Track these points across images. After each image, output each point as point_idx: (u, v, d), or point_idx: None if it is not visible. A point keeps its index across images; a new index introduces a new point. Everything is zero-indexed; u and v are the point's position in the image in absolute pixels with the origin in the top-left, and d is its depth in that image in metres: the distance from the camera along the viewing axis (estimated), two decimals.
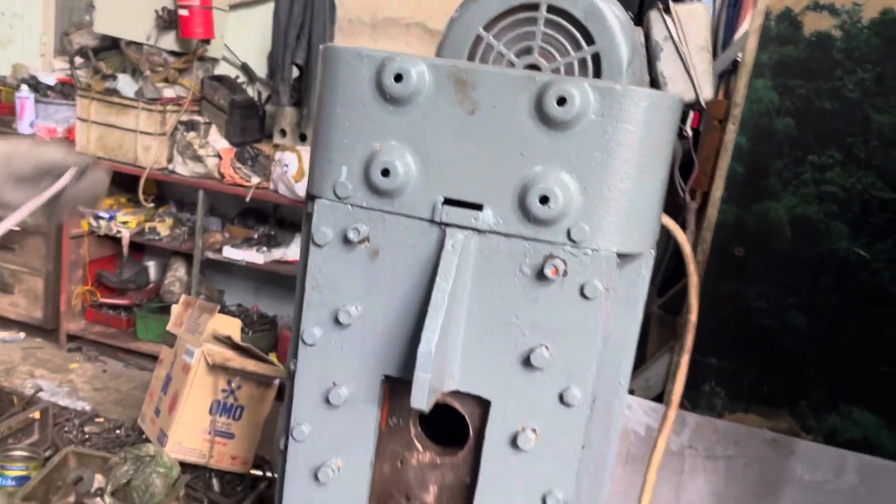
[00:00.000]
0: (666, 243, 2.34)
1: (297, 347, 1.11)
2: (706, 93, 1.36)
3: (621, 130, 0.94)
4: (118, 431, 3.18)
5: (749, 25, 1.88)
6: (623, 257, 1.01)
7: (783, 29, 1.82)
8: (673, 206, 1.80)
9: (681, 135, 2.27)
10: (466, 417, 1.07)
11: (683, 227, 1.77)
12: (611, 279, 0.98)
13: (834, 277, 1.89)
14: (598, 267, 0.97)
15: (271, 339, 4.02)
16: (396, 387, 1.08)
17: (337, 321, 1.07)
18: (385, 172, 1.01)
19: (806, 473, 1.97)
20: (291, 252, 3.96)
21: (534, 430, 1.02)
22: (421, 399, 0.97)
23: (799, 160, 1.87)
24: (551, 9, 1.18)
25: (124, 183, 4.05)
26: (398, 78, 0.98)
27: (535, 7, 1.18)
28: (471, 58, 1.24)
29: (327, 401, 1.09)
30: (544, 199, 0.96)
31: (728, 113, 1.89)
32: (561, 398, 1.01)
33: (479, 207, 0.99)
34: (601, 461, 1.11)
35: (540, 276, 0.99)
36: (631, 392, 2.12)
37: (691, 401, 2.03)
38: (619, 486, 2.08)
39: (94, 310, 4.13)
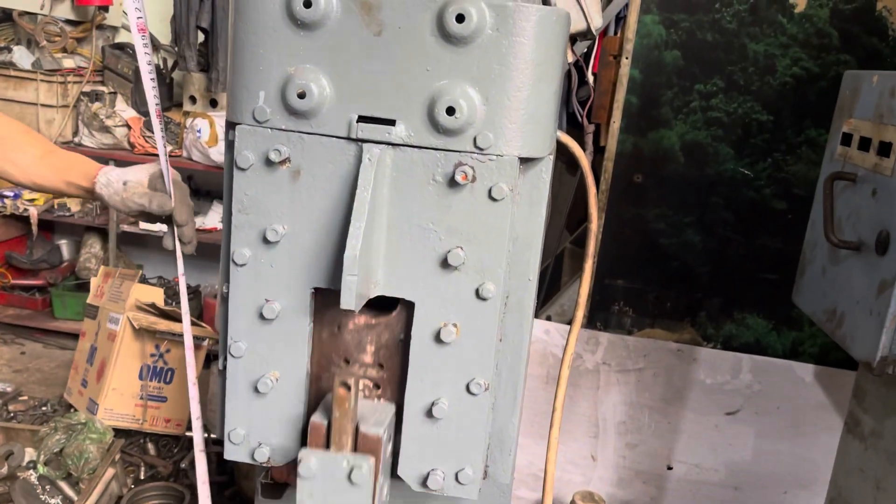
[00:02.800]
0: (576, 185, 2.49)
1: (227, 270, 1.17)
2: (596, 21, 1.47)
3: (516, 44, 1.04)
4: (44, 408, 3.13)
5: None
6: (525, 161, 1.11)
7: None
8: (573, 133, 1.92)
9: (583, 81, 2.40)
10: None
11: (583, 148, 1.90)
12: (515, 182, 1.08)
13: (723, 196, 2.07)
14: (503, 171, 1.07)
15: (196, 308, 4.00)
16: (326, 296, 1.15)
17: (265, 240, 1.13)
18: (301, 95, 1.07)
19: (707, 377, 2.17)
20: (210, 220, 3.94)
21: (455, 325, 1.12)
22: (349, 300, 1.05)
23: (687, 89, 2.02)
24: None
25: None
26: (307, 4, 1.04)
27: None
28: None
29: (261, 316, 1.16)
30: (451, 111, 1.05)
31: (622, 48, 2.03)
32: (477, 293, 1.11)
33: (391, 122, 1.07)
34: (517, 352, 1.22)
35: (451, 183, 1.08)
36: (548, 318, 2.26)
37: (602, 321, 2.19)
38: (542, 407, 2.23)
39: (6, 292, 4.01)
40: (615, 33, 3.02)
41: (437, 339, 1.13)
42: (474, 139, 1.07)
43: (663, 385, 2.18)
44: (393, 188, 1.10)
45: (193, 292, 4.05)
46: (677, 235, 2.11)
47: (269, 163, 1.11)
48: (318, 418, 1.11)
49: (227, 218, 1.16)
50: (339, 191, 1.11)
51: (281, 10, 1.06)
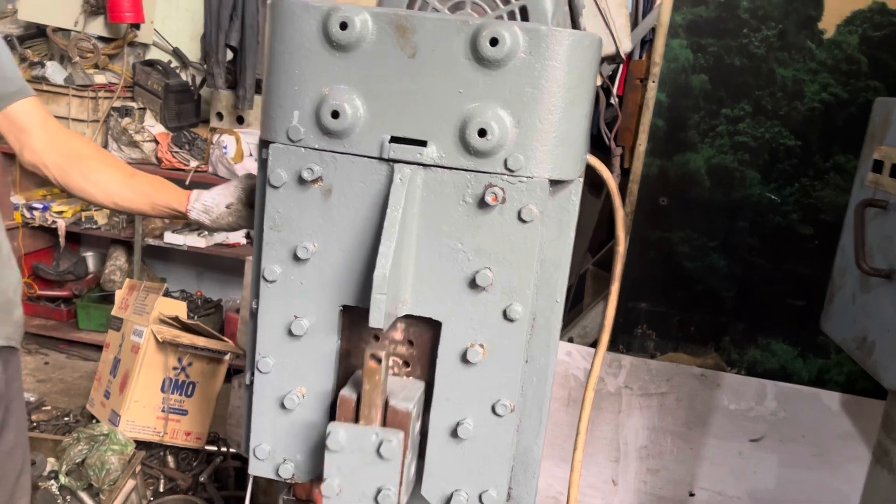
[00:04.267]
0: (600, 205, 2.48)
1: (258, 286, 1.18)
2: (625, 45, 1.48)
3: (548, 68, 1.05)
4: (67, 418, 3.16)
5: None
6: (555, 184, 1.11)
7: None
8: (600, 155, 1.92)
9: (610, 102, 2.41)
10: None
11: (610, 170, 1.90)
12: (544, 204, 1.09)
13: (749, 220, 2.06)
14: (532, 193, 1.08)
15: (217, 322, 4.04)
16: (354, 314, 1.16)
17: (296, 257, 1.14)
18: (335, 114, 1.09)
19: (731, 403, 2.15)
20: (233, 235, 3.98)
21: (481, 346, 1.12)
22: (378, 318, 1.05)
23: (714, 113, 2.02)
24: None
25: None
26: (343, 26, 1.06)
27: None
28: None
29: (290, 333, 1.17)
30: (482, 133, 1.06)
31: (648, 71, 2.04)
32: (504, 314, 1.11)
33: (423, 143, 1.08)
34: (543, 374, 1.22)
35: (481, 204, 1.09)
36: (570, 340, 2.26)
37: (625, 344, 2.18)
38: (563, 430, 2.22)
39: (32, 303, 4.07)
40: (641, 56, 3.03)
41: (464, 359, 1.13)
42: (505, 161, 1.07)
43: (686, 410, 2.16)
44: (423, 208, 1.11)
45: (215, 306, 4.09)
46: (702, 259, 2.10)
47: (301, 181, 1.12)
48: (347, 392, 1.11)
49: (259, 235, 1.18)
50: (370, 210, 1.12)
51: (317, 32, 1.08)
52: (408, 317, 1.15)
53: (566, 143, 1.09)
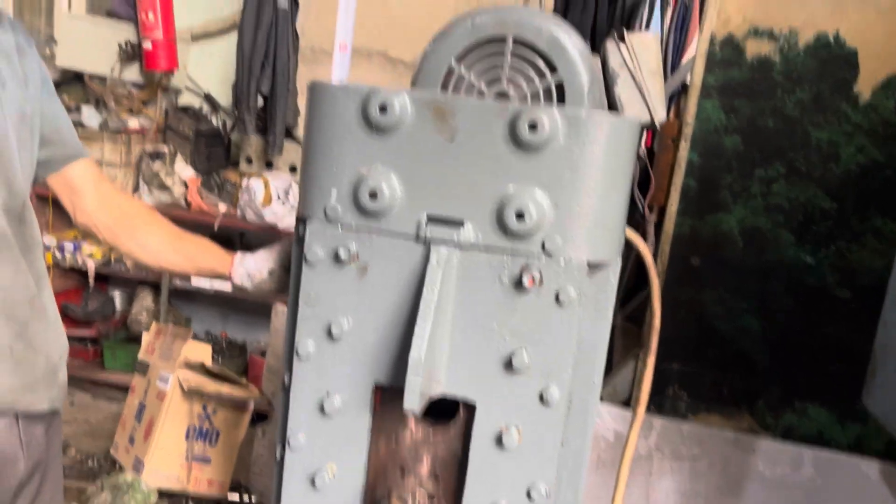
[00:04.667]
0: (627, 257, 2.46)
1: (291, 361, 1.18)
2: (660, 114, 1.47)
3: (587, 152, 1.04)
4: (91, 463, 3.17)
5: (696, 50, 2.03)
6: (592, 266, 1.10)
7: (727, 53, 1.97)
8: (633, 219, 1.91)
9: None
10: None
11: (644, 238, 1.89)
12: (582, 286, 1.07)
13: (783, 282, 2.03)
14: (570, 275, 1.07)
15: (241, 364, 4.04)
16: (387, 393, 1.15)
17: (329, 334, 1.14)
18: (372, 195, 1.09)
19: (766, 469, 2.09)
20: None
21: (517, 429, 1.11)
22: (413, 401, 1.04)
23: (747, 174, 2.01)
24: (517, 41, 1.28)
25: None
26: (383, 109, 1.07)
27: (503, 40, 1.28)
28: (444, 86, 1.33)
29: (321, 410, 1.16)
30: (520, 215, 1.05)
31: (680, 132, 2.03)
32: (541, 398, 1.10)
33: (460, 224, 1.08)
34: (579, 457, 1.19)
35: (518, 285, 1.08)
36: (600, 399, 2.22)
37: (657, 405, 2.14)
38: (592, 491, 2.17)
39: None
40: (668, 111, 3.03)
41: (499, 442, 1.11)
42: (542, 243, 1.07)
43: (719, 475, 2.11)
44: (459, 288, 1.10)
45: (239, 349, 4.09)
46: (735, 320, 2.07)
47: (337, 259, 1.12)
48: None
49: (293, 310, 1.18)
50: (406, 288, 1.11)
51: (356, 114, 1.09)
52: (434, 450, 1.13)
53: (604, 226, 1.08)
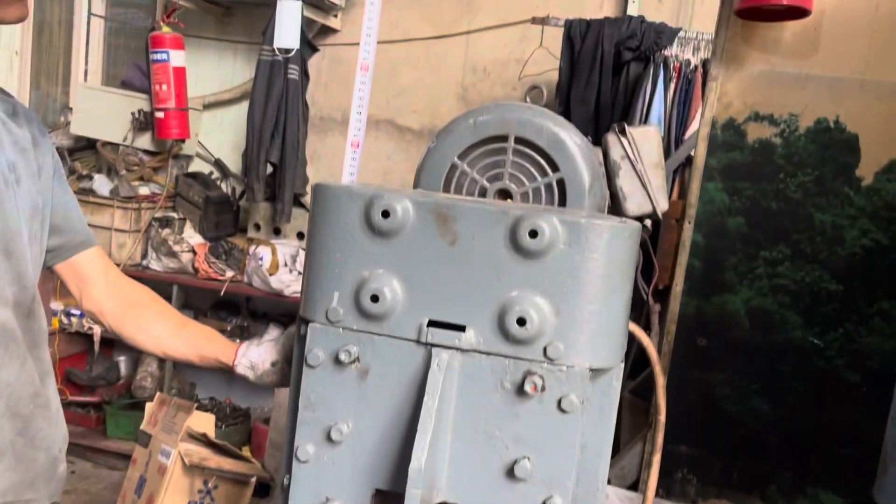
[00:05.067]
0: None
1: (290, 464, 1.16)
2: (662, 205, 1.48)
3: (587, 259, 1.04)
4: None
5: (698, 133, 2.05)
6: (595, 371, 1.09)
7: (729, 136, 1.99)
8: (636, 306, 1.90)
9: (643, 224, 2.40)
10: None
11: (648, 329, 1.88)
12: (585, 392, 1.06)
13: (792, 364, 2.00)
14: (573, 382, 1.06)
15: (245, 432, 4.00)
16: (387, 498, 1.13)
17: (329, 438, 1.12)
18: (374, 298, 1.09)
19: None
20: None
21: None
22: None
23: (752, 255, 2.00)
24: (518, 140, 1.30)
25: None
26: (385, 214, 1.08)
27: (505, 138, 1.31)
28: (447, 182, 1.35)
29: None
30: (521, 321, 1.05)
31: (684, 213, 2.04)
32: None
33: (461, 328, 1.08)
34: None
35: (520, 391, 1.07)
36: (607, 481, 2.17)
37: (665, 488, 2.09)
38: None
39: (63, 408, 4.06)
40: (672, 183, 3.05)
41: None
42: (544, 349, 1.06)
43: None
44: (460, 393, 1.09)
45: (243, 415, 4.06)
46: (744, 402, 2.04)
47: (338, 362, 1.11)
48: None
49: (293, 412, 1.17)
50: (407, 392, 1.10)
51: (359, 219, 1.10)
52: None
53: (606, 332, 1.08)
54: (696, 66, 3.26)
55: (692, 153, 2.24)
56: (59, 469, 1.48)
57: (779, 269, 1.99)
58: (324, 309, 1.12)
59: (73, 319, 3.96)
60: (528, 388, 1.06)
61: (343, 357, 1.11)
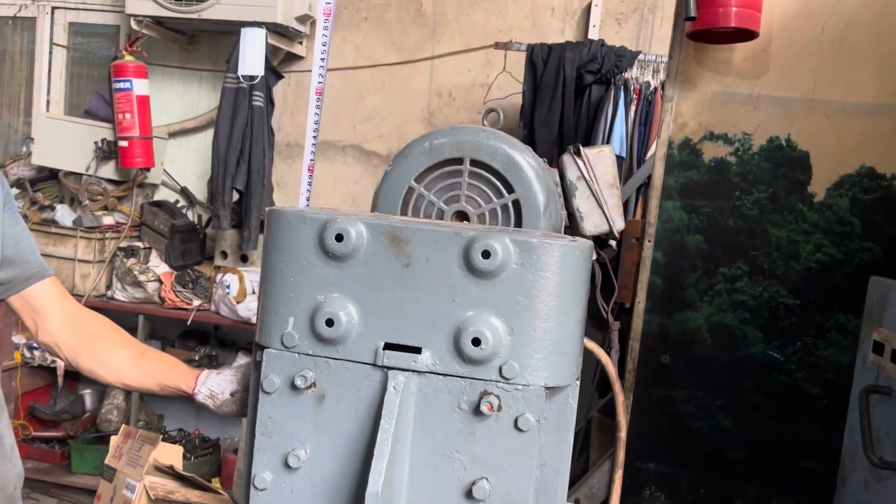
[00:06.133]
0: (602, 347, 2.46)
1: (248, 493, 1.15)
2: (618, 224, 1.50)
3: (540, 278, 1.05)
4: None
5: (655, 153, 2.09)
6: (551, 390, 1.10)
7: (685, 156, 2.03)
8: (597, 323, 1.92)
9: (598, 258, 2.43)
10: None
11: (609, 348, 1.89)
12: (541, 411, 1.07)
13: (754, 379, 2.03)
14: (528, 400, 1.06)
15: (214, 463, 3.93)
16: None
17: (287, 465, 1.11)
18: (329, 322, 1.09)
19: None
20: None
21: None
22: None
23: (711, 272, 2.03)
24: (474, 162, 1.32)
25: None
26: (339, 238, 1.08)
27: (460, 161, 1.32)
28: (405, 205, 1.36)
29: None
30: (476, 341, 1.05)
31: (644, 231, 2.07)
32: None
33: (417, 350, 1.08)
34: None
35: (477, 411, 1.07)
36: (576, 502, 2.17)
37: None
38: None
39: (26, 444, 3.97)
40: (636, 202, 3.09)
41: None
42: (500, 369, 1.06)
43: None
44: (418, 415, 1.09)
45: (212, 446, 3.99)
46: (709, 419, 2.06)
47: (294, 387, 1.11)
48: None
49: (250, 440, 1.16)
50: (364, 416, 1.10)
51: (313, 243, 1.10)
52: None
53: (561, 350, 1.09)
54: (655, 88, 3.32)
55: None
56: None
57: (737, 285, 2.03)
58: (279, 334, 1.12)
59: (36, 353, 3.88)
60: (484, 408, 1.06)
61: (299, 382, 1.10)
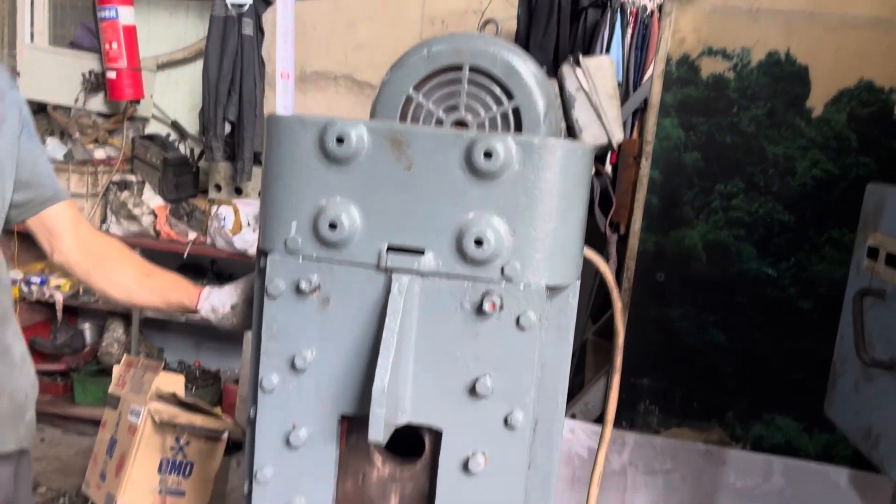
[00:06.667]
0: (596, 274, 2.49)
1: (255, 394, 1.18)
2: (617, 136, 1.50)
3: (541, 178, 1.06)
4: (62, 501, 3.10)
5: (653, 70, 2.07)
6: (552, 289, 1.12)
7: (683, 72, 2.01)
8: (595, 238, 1.93)
9: (598, 173, 2.43)
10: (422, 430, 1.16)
11: (606, 258, 1.91)
12: (542, 310, 1.09)
13: (747, 296, 2.06)
14: (530, 300, 1.08)
15: (215, 393, 3.99)
16: (353, 423, 1.15)
17: (293, 367, 1.14)
18: (332, 226, 1.09)
19: (738, 480, 2.11)
20: None
21: (483, 454, 1.11)
22: (377, 433, 1.04)
23: (708, 189, 2.04)
24: (473, 69, 1.30)
25: None
26: (339, 140, 1.08)
27: (459, 68, 1.30)
28: (403, 115, 1.34)
29: (287, 443, 1.15)
30: (479, 242, 1.06)
31: (641, 150, 2.07)
32: (506, 422, 1.10)
33: (420, 252, 1.09)
34: (546, 480, 1.20)
35: (479, 311, 1.09)
36: (573, 416, 2.23)
37: (629, 420, 2.15)
38: None
39: None
40: (632, 127, 3.08)
41: (465, 468, 1.12)
42: (502, 269, 1.08)
43: (692, 488, 2.13)
44: (421, 316, 1.11)
45: (213, 377, 4.05)
46: (702, 334, 2.10)
47: (299, 291, 1.12)
48: None
49: (256, 344, 1.18)
50: (368, 318, 1.12)
51: (314, 146, 1.10)
52: (402, 489, 1.14)
53: (562, 250, 1.10)
54: (651, 12, 3.26)
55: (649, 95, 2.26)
56: (26, 416, 1.48)
57: (733, 203, 2.04)
58: (282, 239, 1.13)
59: (34, 288, 3.89)
60: (486, 307, 1.08)
61: (304, 286, 1.12)
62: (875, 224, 1.41)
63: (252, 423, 1.20)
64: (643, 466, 2.16)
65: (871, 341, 1.35)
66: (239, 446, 3.30)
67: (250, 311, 1.46)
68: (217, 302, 1.47)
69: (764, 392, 2.09)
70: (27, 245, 3.84)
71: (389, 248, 1.10)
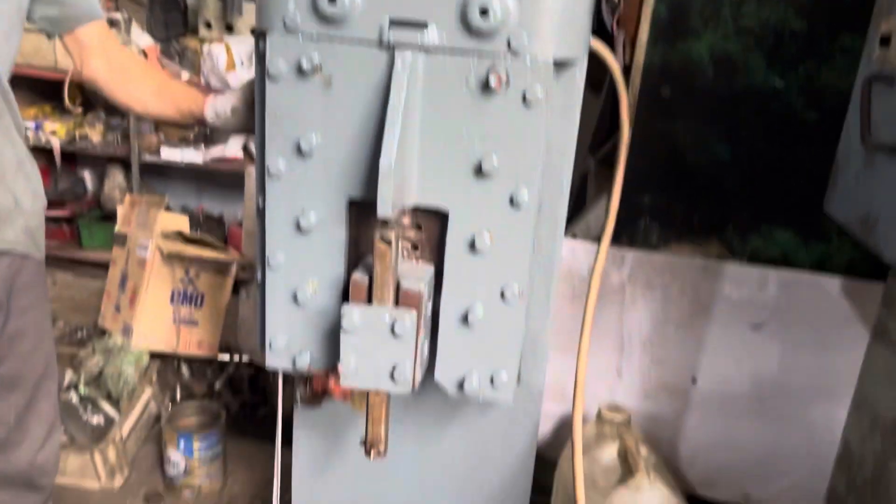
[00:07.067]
0: (600, 110, 2.44)
1: (263, 182, 1.18)
2: None
3: None
4: (80, 333, 3.22)
5: None
6: (559, 64, 1.09)
7: None
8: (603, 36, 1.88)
9: None
10: None
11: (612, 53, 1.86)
12: (549, 85, 1.07)
13: (753, 109, 2.03)
14: (537, 73, 1.06)
15: (220, 237, 4.05)
16: (361, 206, 1.17)
17: (299, 151, 1.14)
18: None
19: (733, 292, 2.18)
20: (230, 149, 3.93)
21: (489, 233, 1.13)
22: (386, 208, 1.06)
23: None
24: None
25: (46, 90, 3.91)
26: None
27: None
28: None
29: (298, 227, 1.17)
30: (484, 11, 1.03)
31: None
32: (511, 201, 1.12)
33: (423, 25, 1.06)
34: (549, 261, 1.23)
35: (485, 88, 1.07)
36: (573, 236, 2.27)
37: (629, 237, 2.19)
38: (567, 324, 2.25)
39: None
40: None
41: (472, 247, 1.14)
42: (508, 41, 1.05)
43: (689, 300, 2.19)
44: (425, 94, 1.09)
45: (217, 221, 4.09)
46: (706, 150, 2.08)
47: (300, 71, 1.10)
48: (359, 276, 1.13)
49: (261, 129, 1.17)
50: (372, 98, 1.10)
51: None
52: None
53: (569, 20, 1.07)
54: None
55: None
56: (29, 221, 1.55)
57: (743, 10, 1.96)
58: (280, 16, 1.09)
59: (29, 133, 3.84)
60: (492, 82, 1.06)
61: (305, 65, 1.09)
62: (889, 9, 1.36)
63: (261, 212, 1.21)
64: (642, 282, 2.21)
65: (876, 129, 1.34)
66: (246, 283, 3.39)
67: (250, 114, 1.46)
68: (220, 106, 1.53)
69: (764, 205, 2.10)
70: (19, 89, 3.75)
71: (391, 23, 1.07)
